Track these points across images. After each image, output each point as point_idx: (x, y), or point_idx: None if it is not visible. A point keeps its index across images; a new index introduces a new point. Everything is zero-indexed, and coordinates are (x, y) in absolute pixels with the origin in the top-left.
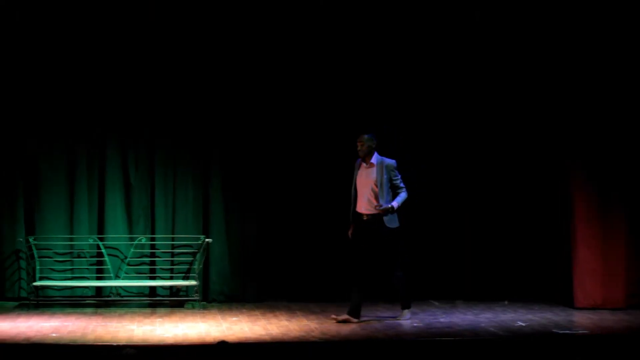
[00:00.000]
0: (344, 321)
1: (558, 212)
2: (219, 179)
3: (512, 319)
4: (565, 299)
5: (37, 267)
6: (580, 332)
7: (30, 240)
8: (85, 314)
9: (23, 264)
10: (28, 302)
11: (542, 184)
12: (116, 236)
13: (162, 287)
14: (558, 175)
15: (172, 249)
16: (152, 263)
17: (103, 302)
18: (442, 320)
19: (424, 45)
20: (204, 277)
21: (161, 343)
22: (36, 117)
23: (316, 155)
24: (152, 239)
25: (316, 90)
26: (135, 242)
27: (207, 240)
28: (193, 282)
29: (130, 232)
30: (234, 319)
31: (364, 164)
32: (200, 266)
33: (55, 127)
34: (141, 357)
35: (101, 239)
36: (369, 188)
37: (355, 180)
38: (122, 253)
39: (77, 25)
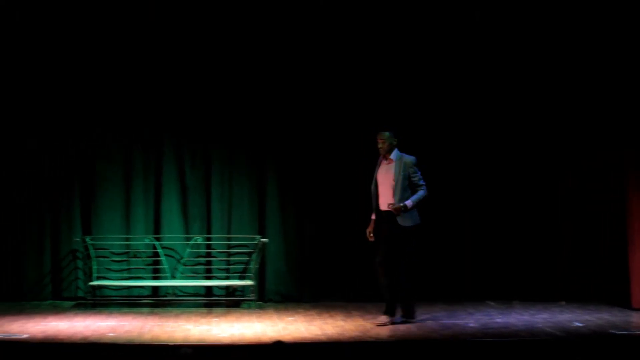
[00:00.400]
0: (383, 324)
1: (612, 212)
2: (274, 178)
3: (569, 320)
4: (622, 300)
5: (94, 267)
6: (638, 333)
7: (87, 240)
8: (141, 313)
9: (80, 263)
10: (85, 301)
11: (596, 183)
12: (172, 236)
13: (218, 287)
14: (612, 174)
15: (228, 248)
16: (208, 263)
17: (159, 302)
18: (498, 320)
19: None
20: (260, 277)
21: (217, 343)
22: (93, 118)
23: (373, 154)
24: (208, 239)
25: (374, 92)
26: (192, 242)
27: (263, 240)
28: (249, 282)
29: (187, 232)
30: (290, 318)
31: (384, 161)
32: (256, 266)
33: (112, 127)
34: (197, 356)
35: (157, 239)
36: (388, 185)
37: (376, 177)
38: (178, 253)
39: (139, 26)
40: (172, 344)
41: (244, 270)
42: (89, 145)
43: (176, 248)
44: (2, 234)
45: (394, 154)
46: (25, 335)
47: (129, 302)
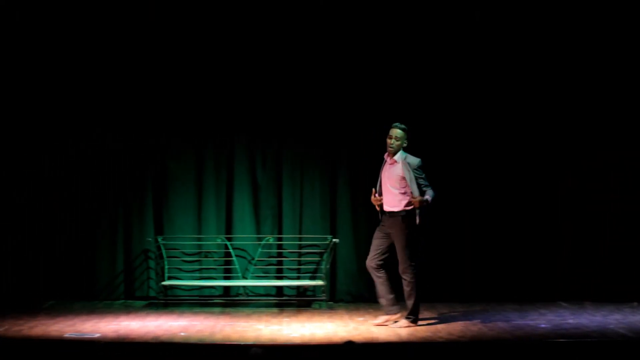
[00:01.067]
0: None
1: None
2: (346, 177)
3: None
4: None
5: (166, 267)
6: None
7: (159, 239)
8: (213, 313)
9: (152, 263)
10: (157, 301)
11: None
12: (244, 236)
13: (289, 287)
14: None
15: (299, 248)
16: (279, 263)
17: (231, 302)
18: (570, 321)
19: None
20: (331, 277)
21: (288, 343)
22: (165, 118)
23: (441, 153)
24: (279, 239)
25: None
26: (263, 242)
27: (334, 240)
28: (320, 282)
29: (258, 232)
30: (361, 319)
31: (388, 160)
32: (328, 266)
33: (183, 126)
34: (268, 356)
35: (229, 239)
36: (391, 186)
37: (381, 176)
38: (249, 253)
39: (206, 28)
40: (244, 343)
41: (315, 270)
42: (161, 145)
43: (247, 248)
44: (76, 234)
45: (399, 155)
46: (97, 335)
47: (200, 301)
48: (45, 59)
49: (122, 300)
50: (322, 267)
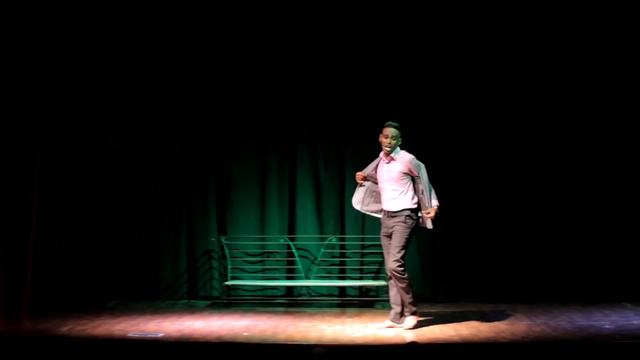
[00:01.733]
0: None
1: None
2: None
3: None
4: None
5: (229, 267)
6: None
7: (222, 240)
8: (276, 313)
9: (215, 263)
10: (220, 301)
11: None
12: (306, 236)
13: (352, 287)
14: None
15: (362, 249)
16: (342, 263)
17: (293, 302)
18: (634, 322)
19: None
20: None
21: (351, 343)
22: (228, 118)
23: (507, 151)
24: (342, 239)
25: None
26: (326, 242)
27: None
28: (383, 283)
29: (321, 232)
30: (423, 319)
31: (385, 159)
32: None
33: (246, 126)
34: (331, 356)
35: (291, 239)
36: (391, 186)
37: (376, 175)
38: (311, 253)
39: (273, 27)
40: (306, 343)
41: (378, 271)
42: (224, 145)
43: (310, 248)
44: (140, 234)
45: (395, 153)
46: (160, 334)
47: (263, 301)
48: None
49: (185, 300)
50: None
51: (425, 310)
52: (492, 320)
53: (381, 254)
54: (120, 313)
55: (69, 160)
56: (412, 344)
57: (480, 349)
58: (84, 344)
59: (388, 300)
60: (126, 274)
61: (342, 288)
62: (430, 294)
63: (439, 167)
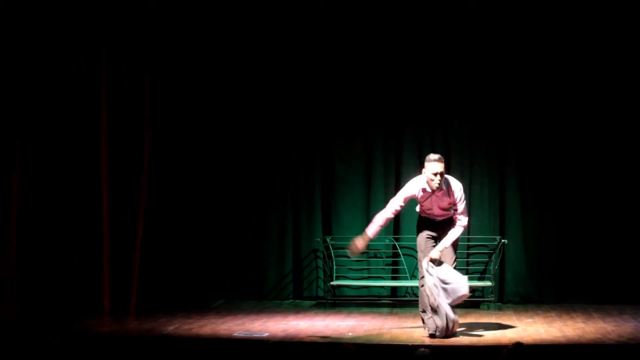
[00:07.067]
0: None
1: None
2: (514, 176)
3: None
4: None
5: (334, 267)
6: None
7: (328, 240)
8: (380, 313)
9: (320, 263)
10: (325, 301)
11: None
12: (412, 236)
13: None
14: None
15: (468, 249)
16: None
17: (398, 302)
18: None
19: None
20: (500, 278)
21: (456, 343)
22: (336, 119)
23: (610, 151)
24: None
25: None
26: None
27: (502, 241)
28: (488, 283)
29: None
30: (529, 320)
31: (436, 192)
32: (496, 267)
33: (350, 126)
34: (435, 357)
35: (397, 239)
36: (443, 210)
37: (425, 201)
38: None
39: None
40: (411, 344)
41: (484, 271)
42: (330, 146)
43: (416, 248)
44: (246, 235)
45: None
46: (266, 334)
47: (368, 302)
48: None
49: (291, 300)
50: (491, 267)
51: (531, 312)
52: (598, 322)
53: (486, 255)
54: (226, 312)
55: (176, 158)
56: (518, 345)
57: (586, 351)
58: (190, 343)
59: (493, 301)
60: (233, 274)
61: None
62: (537, 295)
63: (549, 170)
